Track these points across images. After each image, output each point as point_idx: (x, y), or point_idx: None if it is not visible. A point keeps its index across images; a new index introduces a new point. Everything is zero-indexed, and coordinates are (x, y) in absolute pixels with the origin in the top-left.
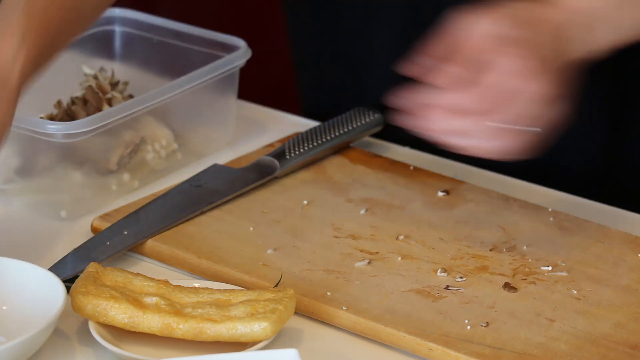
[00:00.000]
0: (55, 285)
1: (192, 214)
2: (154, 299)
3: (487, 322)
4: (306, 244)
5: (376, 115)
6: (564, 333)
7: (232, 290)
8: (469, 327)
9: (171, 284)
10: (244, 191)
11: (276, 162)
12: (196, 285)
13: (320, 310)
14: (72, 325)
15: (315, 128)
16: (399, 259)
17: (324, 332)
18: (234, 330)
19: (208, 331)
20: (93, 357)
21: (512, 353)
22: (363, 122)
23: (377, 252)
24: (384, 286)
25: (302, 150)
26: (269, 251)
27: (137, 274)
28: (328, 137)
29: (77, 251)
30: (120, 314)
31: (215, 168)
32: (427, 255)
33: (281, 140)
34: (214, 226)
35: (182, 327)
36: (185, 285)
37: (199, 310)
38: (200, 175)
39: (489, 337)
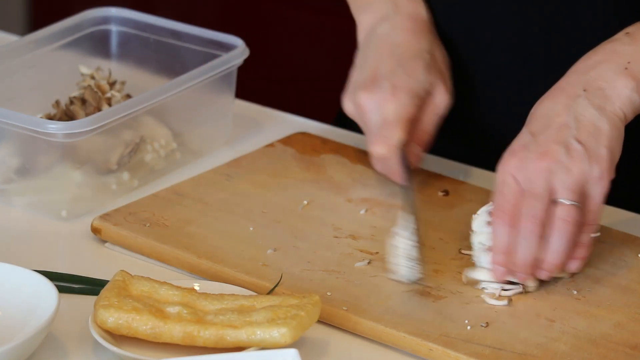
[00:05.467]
0: (48, 290)
1: None
2: (177, 308)
3: (487, 322)
4: (306, 244)
5: None
6: (564, 333)
7: (257, 296)
8: (469, 327)
9: (197, 292)
10: None
11: None
12: (198, 285)
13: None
14: (72, 325)
15: None
16: None
17: (323, 332)
18: (253, 336)
19: (228, 337)
20: (93, 357)
21: (512, 353)
22: None
23: (377, 252)
24: (384, 286)
25: None
26: (269, 251)
27: (164, 283)
28: None
29: None
30: (142, 325)
31: None
32: (427, 255)
33: (281, 140)
34: (214, 226)
35: (202, 335)
36: (210, 293)
37: (221, 317)
38: None
39: (489, 337)
